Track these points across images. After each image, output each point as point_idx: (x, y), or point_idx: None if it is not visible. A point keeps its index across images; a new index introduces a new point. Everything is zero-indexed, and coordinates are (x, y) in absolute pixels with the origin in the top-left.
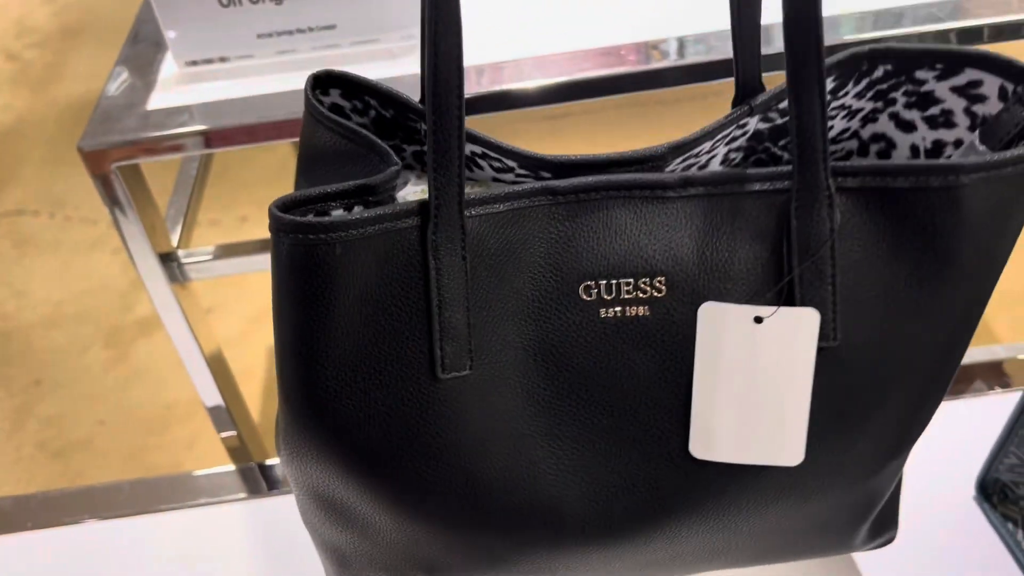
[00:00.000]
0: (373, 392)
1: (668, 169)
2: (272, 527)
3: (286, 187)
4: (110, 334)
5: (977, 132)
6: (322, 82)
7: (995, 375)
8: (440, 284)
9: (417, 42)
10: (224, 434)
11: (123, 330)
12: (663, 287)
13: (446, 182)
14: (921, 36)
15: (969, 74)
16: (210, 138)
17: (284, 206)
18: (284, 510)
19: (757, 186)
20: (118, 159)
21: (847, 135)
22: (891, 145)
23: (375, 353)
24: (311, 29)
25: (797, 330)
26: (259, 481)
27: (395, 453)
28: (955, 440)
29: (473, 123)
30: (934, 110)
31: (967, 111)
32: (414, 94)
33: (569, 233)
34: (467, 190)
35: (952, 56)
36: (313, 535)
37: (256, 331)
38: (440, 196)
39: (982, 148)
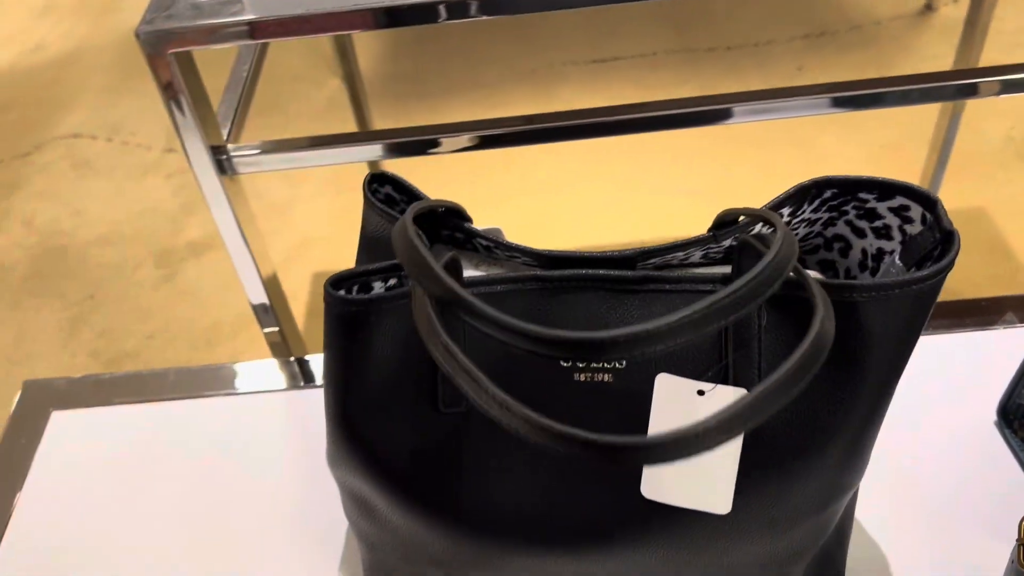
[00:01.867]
0: (390, 419)
1: (638, 267)
2: (307, 415)
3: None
4: (160, 254)
5: (898, 251)
6: (378, 179)
7: None
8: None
9: None
10: (267, 330)
11: (173, 251)
12: (623, 362)
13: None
14: None
15: (900, 199)
16: (262, 27)
17: (336, 282)
18: (319, 401)
19: (702, 287)
20: (174, 46)
21: (813, 235)
22: (848, 246)
23: (394, 390)
24: None
25: None
26: (297, 376)
27: (405, 468)
28: (982, 369)
29: (511, 21)
30: (878, 223)
31: (900, 228)
32: None
33: (552, 311)
34: (488, 268)
35: (883, 185)
36: (350, 522)
37: (300, 257)
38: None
39: (899, 265)
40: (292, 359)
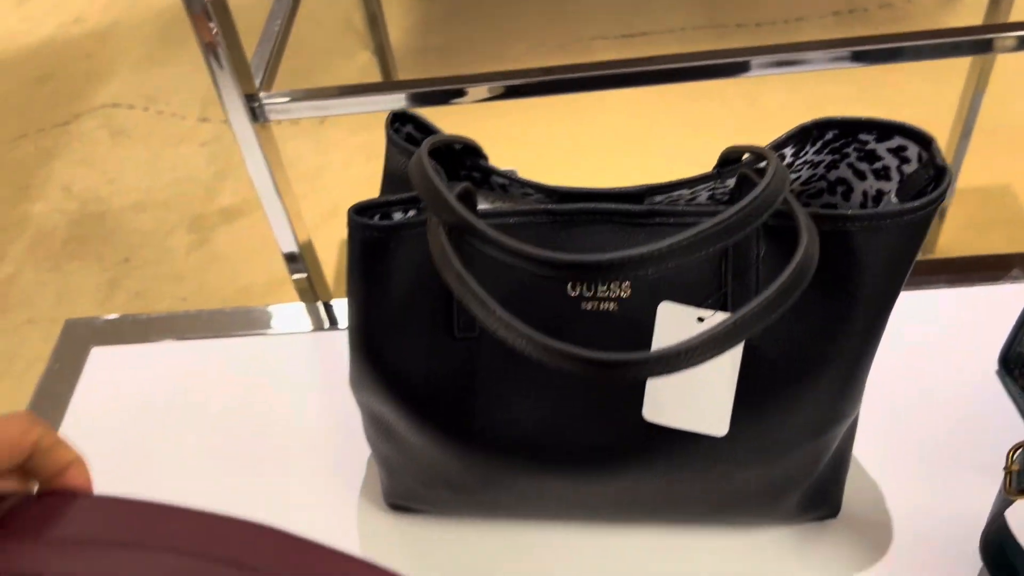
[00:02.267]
0: (408, 343)
1: (646, 202)
2: (332, 355)
3: None
4: (193, 220)
5: (894, 189)
6: (399, 118)
7: None
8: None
9: None
10: (296, 276)
11: (206, 217)
12: (628, 290)
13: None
14: None
15: (898, 140)
16: None
17: (359, 210)
18: (343, 342)
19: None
20: None
21: (816, 178)
22: (850, 189)
23: (412, 314)
24: None
25: None
26: (323, 319)
27: (421, 390)
28: (987, 322)
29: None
30: (877, 164)
31: (898, 169)
32: None
33: (561, 242)
34: (500, 204)
35: (882, 126)
36: (371, 446)
37: (329, 226)
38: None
39: (895, 202)
40: (319, 303)
